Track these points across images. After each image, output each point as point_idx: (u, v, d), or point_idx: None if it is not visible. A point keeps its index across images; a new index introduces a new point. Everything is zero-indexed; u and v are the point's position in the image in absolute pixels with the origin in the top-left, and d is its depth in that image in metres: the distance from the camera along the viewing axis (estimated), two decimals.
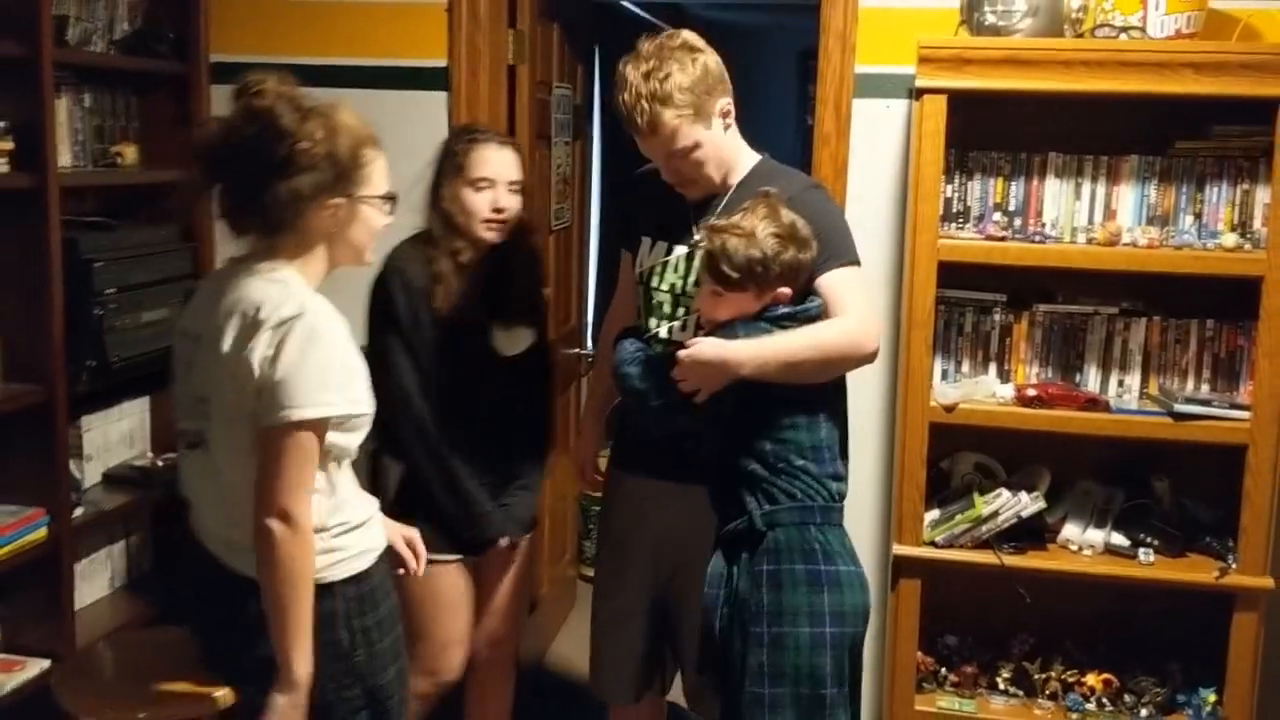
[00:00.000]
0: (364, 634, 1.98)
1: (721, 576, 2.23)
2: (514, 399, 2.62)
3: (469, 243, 2.52)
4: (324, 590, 1.93)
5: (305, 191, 1.87)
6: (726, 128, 2.28)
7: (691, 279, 2.32)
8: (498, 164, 2.52)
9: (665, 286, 2.37)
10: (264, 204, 1.88)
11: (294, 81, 1.93)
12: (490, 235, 2.53)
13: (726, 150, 2.29)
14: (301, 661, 1.87)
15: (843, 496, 2.23)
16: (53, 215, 2.60)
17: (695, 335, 2.29)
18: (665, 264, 2.38)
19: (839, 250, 2.24)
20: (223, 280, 1.94)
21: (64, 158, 2.81)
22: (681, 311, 2.36)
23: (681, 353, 2.14)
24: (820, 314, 2.20)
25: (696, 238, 2.27)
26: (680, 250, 2.35)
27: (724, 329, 2.18)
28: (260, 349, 1.82)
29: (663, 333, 2.38)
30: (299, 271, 1.94)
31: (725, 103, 2.25)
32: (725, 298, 2.17)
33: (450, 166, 2.53)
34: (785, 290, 2.17)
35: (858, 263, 2.27)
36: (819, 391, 2.20)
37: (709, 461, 2.25)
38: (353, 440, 1.98)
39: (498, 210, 2.51)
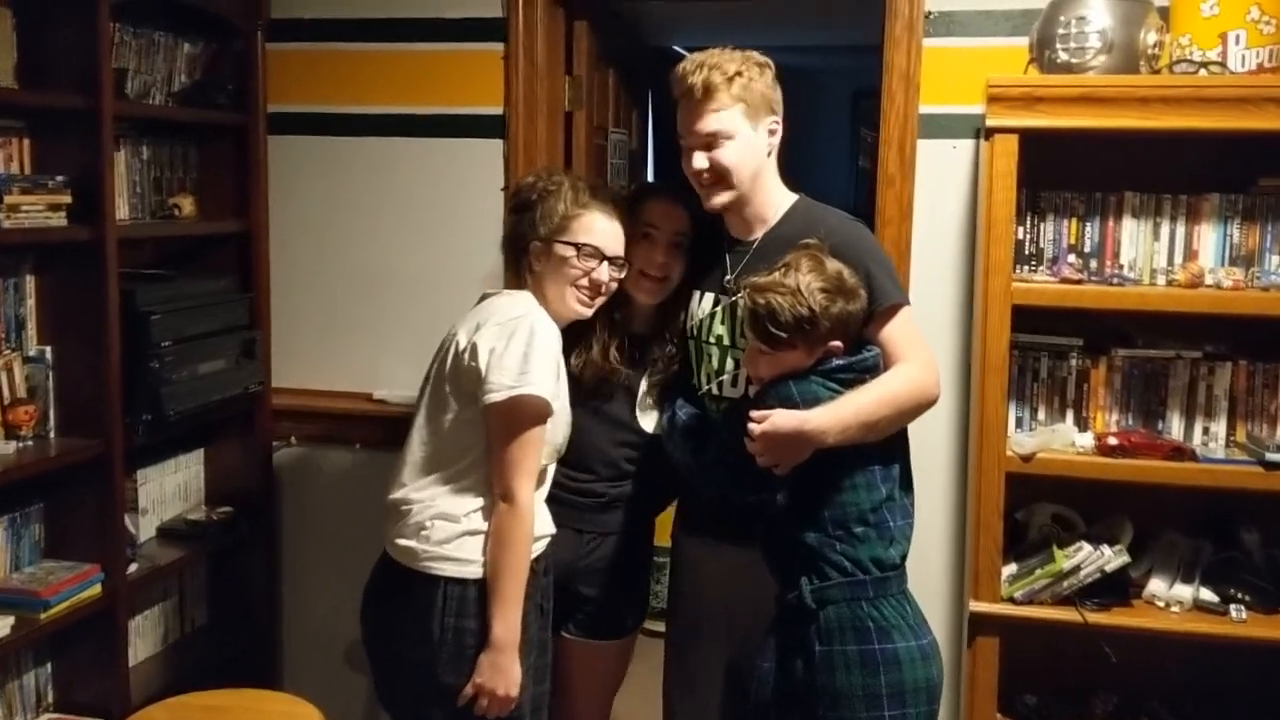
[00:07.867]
0: (455, 634, 2.11)
1: (774, 650, 2.14)
2: (644, 479, 2.47)
3: (622, 299, 2.39)
4: (429, 580, 2.13)
5: (518, 229, 2.27)
6: (769, 151, 2.26)
7: (738, 330, 2.24)
8: (659, 214, 2.37)
9: (713, 339, 2.31)
10: (506, 237, 2.32)
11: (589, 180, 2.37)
12: (641, 295, 2.39)
13: (762, 170, 2.24)
14: (501, 626, 2.08)
15: (904, 558, 2.13)
16: (111, 268, 2.59)
17: (746, 391, 2.22)
18: (712, 316, 2.31)
19: (889, 292, 2.15)
20: (484, 300, 2.28)
21: (122, 210, 2.81)
22: (731, 365, 2.28)
23: (756, 427, 2.02)
24: (878, 364, 2.12)
25: (738, 295, 2.17)
26: (725, 300, 2.29)
27: (775, 387, 2.08)
28: (488, 339, 2.11)
29: (715, 389, 2.31)
30: (533, 296, 2.24)
31: (774, 120, 2.26)
32: (774, 356, 2.08)
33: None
34: (837, 344, 2.08)
35: (907, 300, 2.19)
36: (877, 443, 2.10)
37: (770, 524, 2.15)
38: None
39: (655, 264, 2.36)
